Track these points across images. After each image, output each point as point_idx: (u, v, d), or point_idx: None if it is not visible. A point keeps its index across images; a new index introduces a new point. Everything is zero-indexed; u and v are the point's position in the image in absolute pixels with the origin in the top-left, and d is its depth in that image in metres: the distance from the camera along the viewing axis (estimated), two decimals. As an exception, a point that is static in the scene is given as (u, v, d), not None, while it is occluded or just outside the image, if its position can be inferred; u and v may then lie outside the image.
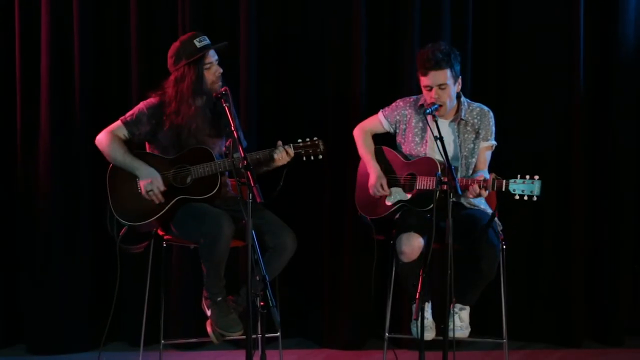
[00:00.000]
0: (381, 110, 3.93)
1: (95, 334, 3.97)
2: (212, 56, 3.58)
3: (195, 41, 3.53)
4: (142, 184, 3.53)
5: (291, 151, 3.57)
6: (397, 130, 3.88)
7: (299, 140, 3.61)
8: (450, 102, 3.70)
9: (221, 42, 3.63)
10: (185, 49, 3.53)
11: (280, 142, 3.59)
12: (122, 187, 3.57)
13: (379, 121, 3.92)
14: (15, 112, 4.26)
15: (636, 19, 4.39)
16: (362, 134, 3.91)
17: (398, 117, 3.86)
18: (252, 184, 3.04)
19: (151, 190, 3.51)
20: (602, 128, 4.43)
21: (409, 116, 3.84)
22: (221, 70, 3.60)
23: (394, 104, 3.91)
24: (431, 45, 3.67)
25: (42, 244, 4.27)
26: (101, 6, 4.33)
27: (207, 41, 3.57)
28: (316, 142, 3.60)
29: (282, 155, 3.55)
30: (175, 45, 3.58)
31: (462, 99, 3.78)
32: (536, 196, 3.41)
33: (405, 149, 3.84)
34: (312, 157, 3.61)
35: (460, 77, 3.71)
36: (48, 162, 4.23)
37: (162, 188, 3.53)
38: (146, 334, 3.80)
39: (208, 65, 3.57)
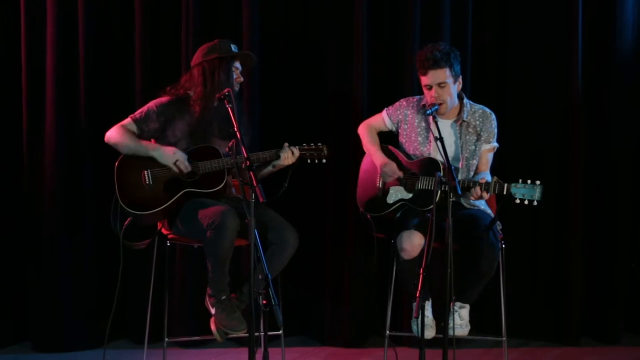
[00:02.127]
0: (385, 108, 3.96)
1: (100, 332, 3.98)
2: (239, 66, 3.76)
3: (232, 45, 3.73)
4: (166, 159, 3.59)
5: (297, 152, 3.66)
6: (399, 130, 3.91)
7: (304, 144, 3.70)
8: (450, 101, 3.72)
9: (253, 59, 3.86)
10: (221, 47, 3.71)
11: (286, 144, 3.67)
12: (130, 178, 3.62)
13: (382, 119, 3.95)
14: (22, 111, 4.28)
15: (634, 21, 4.41)
16: (367, 129, 3.95)
17: (400, 117, 3.90)
18: (255, 184, 3.07)
19: (177, 160, 3.58)
20: (600, 128, 4.45)
21: (410, 116, 3.87)
22: (242, 80, 3.78)
23: (397, 103, 3.94)
24: (431, 46, 3.71)
25: (47, 243, 4.28)
26: (106, 6, 4.35)
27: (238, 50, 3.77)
28: (320, 147, 3.70)
29: (288, 155, 3.64)
30: (213, 42, 3.74)
31: (465, 100, 3.81)
32: (537, 201, 3.43)
33: (409, 148, 3.86)
34: (316, 161, 3.71)
35: (460, 76, 3.74)
36: (53, 162, 4.25)
37: (186, 156, 3.61)
38: (150, 332, 3.82)
39: (234, 69, 3.73)
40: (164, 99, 3.76)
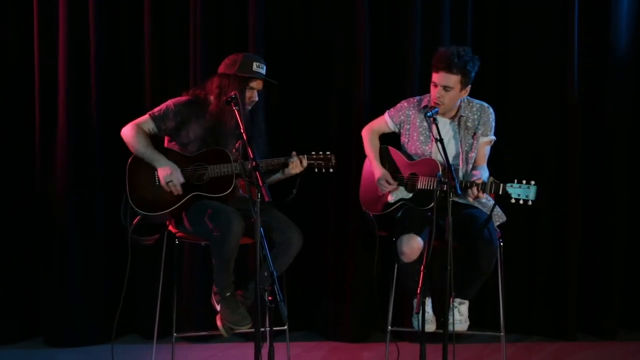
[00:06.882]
0: (387, 110, 4.01)
1: (111, 327, 4.07)
2: (258, 85, 3.73)
3: (255, 63, 3.69)
4: (162, 175, 3.60)
5: (305, 162, 3.70)
6: (402, 131, 3.96)
7: (312, 153, 3.74)
8: (450, 104, 3.75)
9: (273, 80, 3.78)
10: (243, 63, 3.68)
11: (294, 153, 3.71)
12: (141, 178, 3.64)
13: (384, 121, 4.00)
14: (34, 111, 4.34)
15: (628, 22, 4.45)
16: (369, 134, 4.01)
17: (402, 118, 3.95)
18: (261, 184, 3.12)
19: (171, 181, 3.59)
20: (598, 128, 4.49)
21: (412, 116, 3.91)
22: (257, 100, 3.74)
23: (398, 105, 3.99)
24: (454, 47, 3.72)
25: (59, 240, 4.33)
26: (116, 8, 4.39)
27: (263, 70, 3.72)
28: (329, 157, 3.76)
29: (296, 164, 3.68)
30: (239, 55, 3.72)
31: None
32: (531, 201, 3.49)
33: (410, 148, 3.91)
34: (323, 170, 3.76)
35: (470, 85, 3.76)
36: (65, 162, 4.31)
37: (182, 180, 3.61)
38: (159, 328, 3.86)
39: (249, 88, 3.70)
40: (182, 99, 3.77)
